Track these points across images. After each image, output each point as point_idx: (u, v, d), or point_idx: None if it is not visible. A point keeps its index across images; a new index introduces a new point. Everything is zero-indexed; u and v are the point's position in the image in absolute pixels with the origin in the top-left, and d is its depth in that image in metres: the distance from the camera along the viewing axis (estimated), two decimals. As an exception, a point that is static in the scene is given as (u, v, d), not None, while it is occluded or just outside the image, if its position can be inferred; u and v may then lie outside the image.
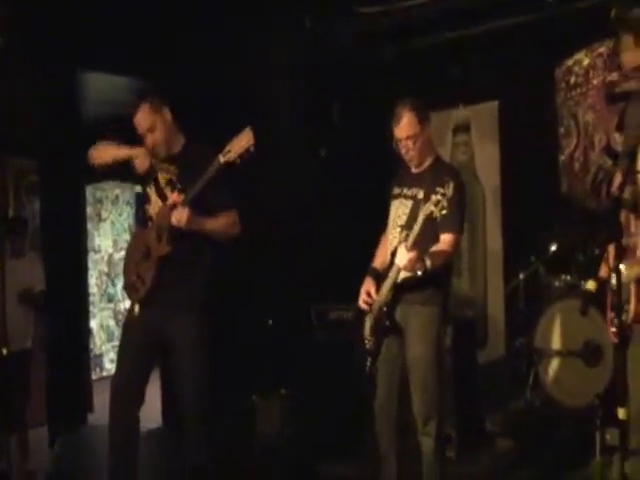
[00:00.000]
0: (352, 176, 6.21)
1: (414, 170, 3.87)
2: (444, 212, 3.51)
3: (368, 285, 3.85)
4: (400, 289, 3.72)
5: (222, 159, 3.61)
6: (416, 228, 3.58)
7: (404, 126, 3.75)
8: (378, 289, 3.81)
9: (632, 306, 2.68)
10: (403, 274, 3.66)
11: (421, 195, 3.74)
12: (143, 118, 3.85)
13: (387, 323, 3.75)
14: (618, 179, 3.07)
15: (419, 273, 3.56)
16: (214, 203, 3.77)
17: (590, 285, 2.65)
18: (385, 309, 3.75)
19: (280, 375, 5.56)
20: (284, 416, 5.40)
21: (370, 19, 5.90)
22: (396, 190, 3.91)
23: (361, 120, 6.36)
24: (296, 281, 5.89)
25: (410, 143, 3.76)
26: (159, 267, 3.77)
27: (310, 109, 6.22)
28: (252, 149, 3.58)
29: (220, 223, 3.80)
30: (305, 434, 5.16)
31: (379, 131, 5.51)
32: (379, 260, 3.97)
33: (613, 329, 2.78)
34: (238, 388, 5.56)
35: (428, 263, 3.56)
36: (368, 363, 3.80)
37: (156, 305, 3.80)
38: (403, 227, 3.74)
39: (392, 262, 3.71)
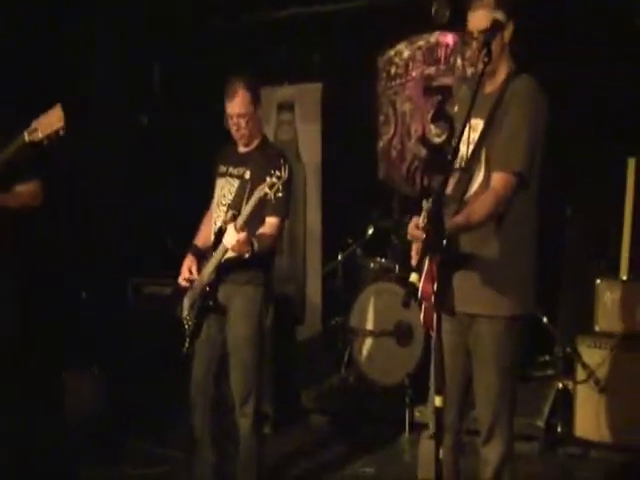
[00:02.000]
0: (175, 146, 6.10)
1: (241, 149, 3.82)
2: (278, 195, 3.48)
3: (189, 262, 3.76)
4: (224, 269, 3.68)
5: (27, 137, 3.33)
6: (247, 209, 3.51)
7: (237, 103, 3.67)
8: (199, 267, 3.76)
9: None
10: (229, 254, 3.62)
11: (248, 175, 3.69)
12: None
13: (210, 303, 3.70)
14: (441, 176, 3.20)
15: (246, 255, 3.57)
16: (14, 174, 3.53)
17: (413, 278, 2.71)
18: (208, 289, 3.70)
19: (93, 351, 5.40)
20: (96, 394, 5.25)
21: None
22: (222, 168, 3.84)
23: (185, 88, 6.25)
24: (113, 253, 5.72)
25: (242, 121, 3.69)
26: None
27: (130, 75, 6.02)
28: (62, 131, 3.31)
29: (19, 199, 3.59)
30: (118, 413, 5.05)
31: (204, 101, 5.48)
32: (201, 238, 3.89)
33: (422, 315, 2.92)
34: (47, 364, 5.34)
35: (256, 246, 3.52)
36: (186, 344, 3.73)
37: None
38: (229, 206, 3.69)
39: (216, 241, 3.65)
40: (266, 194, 3.46)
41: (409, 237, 2.79)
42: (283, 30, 6.06)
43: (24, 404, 4.00)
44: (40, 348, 4.90)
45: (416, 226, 2.71)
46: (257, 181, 3.56)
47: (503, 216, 2.85)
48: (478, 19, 2.86)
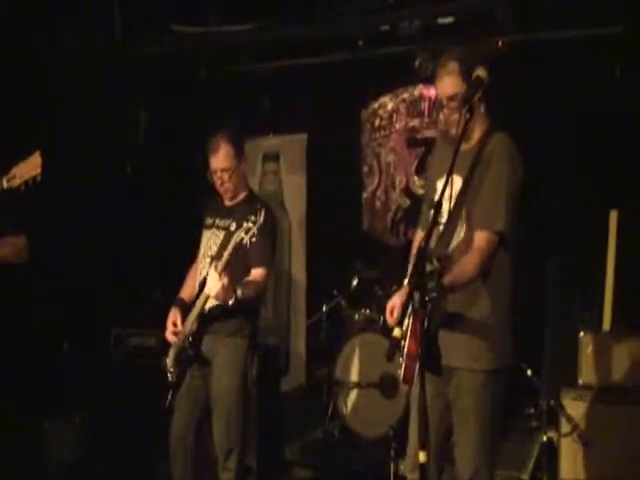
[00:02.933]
0: (160, 195, 6.12)
1: (227, 202, 3.85)
2: (254, 240, 3.46)
3: (174, 316, 3.75)
4: (207, 319, 3.66)
5: (5, 184, 3.39)
6: (225, 254, 3.51)
7: (221, 158, 3.70)
8: (184, 320, 3.74)
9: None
10: (211, 303, 3.60)
11: (233, 227, 3.69)
12: None
13: (191, 352, 3.67)
14: (422, 228, 3.24)
15: (230, 302, 3.54)
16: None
17: (396, 332, 2.75)
18: (190, 339, 3.67)
19: (75, 401, 5.34)
20: (77, 444, 5.18)
21: (185, 38, 5.86)
22: (208, 220, 3.86)
23: (170, 138, 6.29)
24: (96, 303, 5.69)
25: (226, 175, 3.71)
26: None
27: (117, 123, 6.06)
28: (38, 177, 3.38)
29: (3, 252, 3.61)
30: (100, 462, 4.99)
31: (188, 151, 5.51)
32: (187, 291, 3.89)
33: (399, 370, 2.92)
34: (28, 413, 5.27)
35: (239, 292, 3.51)
36: (169, 396, 3.70)
37: None
38: (213, 257, 3.70)
39: (199, 293, 3.65)
40: (242, 239, 3.47)
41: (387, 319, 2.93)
42: (268, 81, 6.13)
43: (3, 454, 3.94)
44: (21, 397, 4.85)
45: (391, 311, 2.89)
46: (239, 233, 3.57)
47: (486, 273, 2.90)
48: (445, 86, 2.96)
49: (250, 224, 3.46)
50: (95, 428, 5.07)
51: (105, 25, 5.76)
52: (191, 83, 6.25)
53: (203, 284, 3.63)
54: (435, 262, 2.72)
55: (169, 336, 3.75)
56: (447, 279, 2.74)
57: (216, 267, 3.53)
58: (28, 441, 4.99)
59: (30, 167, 3.39)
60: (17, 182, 3.37)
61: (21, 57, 5.12)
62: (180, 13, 5.69)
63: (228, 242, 3.61)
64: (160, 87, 6.23)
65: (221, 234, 3.77)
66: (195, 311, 3.66)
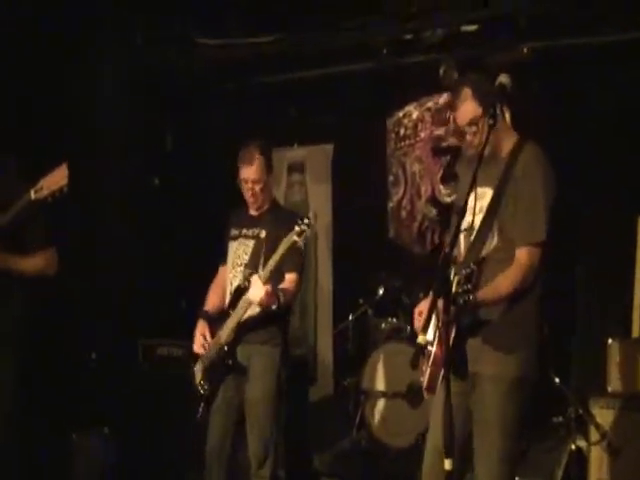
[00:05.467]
0: (187, 207, 6.16)
1: (253, 212, 3.88)
2: (304, 243, 3.52)
3: (203, 328, 3.78)
4: (242, 328, 3.68)
5: (33, 195, 3.44)
6: (275, 259, 3.51)
7: (254, 169, 3.74)
8: (212, 332, 3.77)
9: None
10: (251, 311, 3.62)
11: (263, 234, 3.75)
12: None
13: (230, 362, 3.67)
14: (447, 236, 3.25)
15: (273, 307, 3.55)
16: (29, 240, 3.61)
17: (421, 339, 2.75)
18: (227, 348, 3.69)
19: (104, 412, 5.37)
20: (106, 455, 5.21)
21: (208, 51, 5.91)
22: (234, 232, 3.90)
23: (197, 150, 6.34)
24: (124, 314, 5.73)
25: (257, 187, 3.76)
26: None
27: (144, 137, 6.12)
28: (65, 188, 3.42)
29: (32, 264, 3.62)
30: (128, 474, 5.01)
31: (215, 162, 5.55)
32: (211, 302, 3.93)
33: (423, 378, 2.91)
34: (56, 426, 5.32)
35: (282, 299, 3.56)
36: (200, 409, 3.72)
37: None
38: (247, 265, 3.73)
39: (234, 301, 3.68)
40: (295, 242, 3.47)
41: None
42: (293, 92, 6.16)
43: (32, 466, 3.98)
44: (50, 409, 4.89)
45: (419, 314, 2.89)
46: (273, 240, 3.62)
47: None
48: (462, 114, 2.98)
49: (303, 227, 3.45)
50: (124, 439, 5.10)
51: (129, 39, 5.83)
52: (216, 95, 6.30)
53: (238, 293, 3.66)
54: (466, 270, 2.69)
55: (198, 348, 3.78)
56: (478, 295, 2.74)
57: (253, 273, 3.55)
58: (57, 453, 5.04)
59: (57, 178, 3.44)
60: (44, 193, 3.42)
61: (48, 72, 5.20)
62: (204, 25, 5.73)
63: (260, 250, 3.67)
64: (186, 99, 6.29)
65: (250, 242, 3.80)
66: (234, 319, 3.66)
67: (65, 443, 5.12)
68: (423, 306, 2.97)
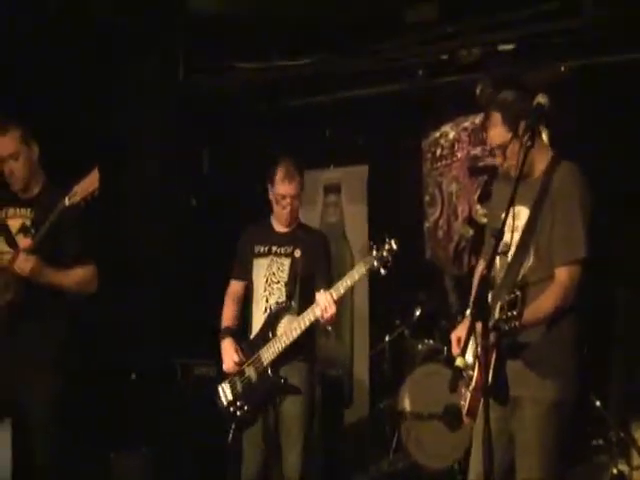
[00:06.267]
0: (224, 226, 6.19)
1: (280, 229, 3.92)
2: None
3: (232, 346, 3.78)
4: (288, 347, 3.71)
5: (67, 202, 3.52)
6: (349, 282, 3.57)
7: (295, 185, 3.82)
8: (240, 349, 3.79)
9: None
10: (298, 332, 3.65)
11: (298, 254, 3.79)
12: (9, 142, 3.70)
13: (282, 381, 3.68)
14: (485, 258, 3.23)
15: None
16: (69, 254, 3.66)
17: (459, 362, 2.73)
18: (270, 370, 3.68)
19: (141, 432, 5.40)
20: (144, 475, 5.23)
21: (244, 74, 5.97)
22: (261, 248, 3.90)
23: (233, 171, 6.39)
24: (162, 334, 5.77)
25: (296, 203, 3.85)
26: (6, 316, 3.60)
27: (181, 158, 6.18)
28: (96, 193, 3.52)
29: (73, 279, 3.68)
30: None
31: (251, 182, 5.57)
32: (230, 319, 3.92)
33: (464, 402, 2.89)
34: (96, 444, 5.35)
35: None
36: (232, 432, 3.70)
37: (6, 356, 3.63)
38: (287, 284, 3.77)
39: (271, 320, 3.72)
40: (378, 268, 3.55)
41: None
42: (328, 113, 6.18)
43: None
44: (88, 428, 4.93)
45: (457, 342, 2.90)
46: (310, 258, 3.74)
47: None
48: (491, 138, 3.01)
49: (386, 253, 3.51)
50: (161, 459, 5.11)
51: (169, 62, 5.91)
52: (253, 117, 6.35)
53: (278, 311, 3.72)
54: (510, 296, 2.66)
55: (230, 367, 3.78)
56: (525, 318, 2.69)
57: (331, 292, 3.58)
58: (95, 472, 5.07)
59: (89, 183, 3.54)
60: (77, 199, 3.52)
61: (88, 92, 5.30)
62: (241, 49, 5.79)
63: (296, 269, 3.74)
64: (223, 121, 6.34)
65: (285, 260, 3.83)
66: (284, 340, 3.67)
67: (103, 462, 5.16)
68: (461, 331, 2.95)
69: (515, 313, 2.61)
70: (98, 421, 5.35)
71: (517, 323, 2.62)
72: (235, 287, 3.98)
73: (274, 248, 3.87)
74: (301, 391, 3.72)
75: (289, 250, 3.83)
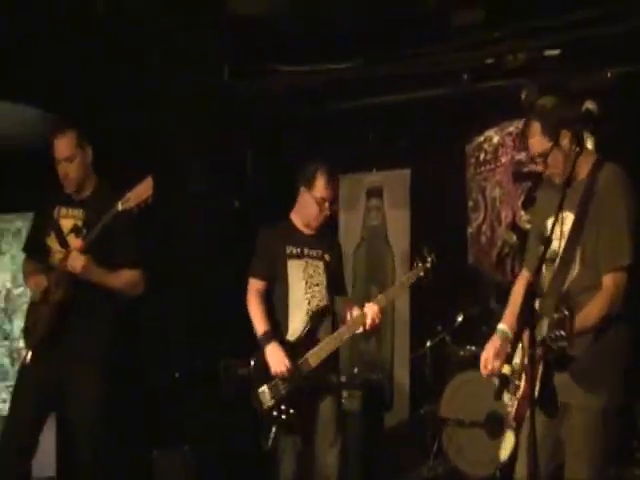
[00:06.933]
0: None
1: (307, 231, 3.96)
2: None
3: (280, 350, 3.75)
4: None
5: (120, 207, 3.59)
6: (395, 292, 3.93)
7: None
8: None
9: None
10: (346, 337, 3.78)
11: (328, 257, 3.90)
12: (66, 144, 3.79)
13: (334, 382, 3.84)
14: (527, 265, 3.22)
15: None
16: (119, 256, 3.75)
17: (506, 369, 2.73)
18: (319, 371, 3.75)
19: (184, 430, 5.45)
20: (186, 473, 5.27)
21: (287, 77, 6.00)
22: (294, 249, 3.91)
23: (276, 174, 6.42)
24: (205, 334, 5.81)
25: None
26: (55, 313, 3.68)
27: (224, 160, 6.23)
28: (150, 200, 3.58)
29: (121, 280, 3.76)
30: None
31: (294, 186, 5.61)
32: (265, 321, 3.86)
33: (511, 410, 2.89)
34: (138, 442, 5.41)
35: None
36: (272, 434, 3.68)
37: (53, 353, 3.71)
38: (327, 287, 3.86)
39: (315, 321, 3.78)
40: (422, 280, 3.81)
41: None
42: (371, 117, 6.18)
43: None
44: (131, 426, 4.99)
45: (485, 365, 2.97)
46: (334, 261, 3.92)
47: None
48: (532, 146, 3.03)
49: (428, 265, 3.84)
50: (203, 458, 5.16)
51: (213, 65, 5.96)
52: (296, 120, 6.38)
53: (320, 313, 3.80)
54: (559, 315, 2.65)
55: (280, 370, 3.73)
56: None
57: (378, 299, 3.78)
58: (137, 469, 5.13)
59: (143, 190, 3.60)
60: (131, 204, 3.59)
61: (136, 94, 5.37)
62: (285, 52, 5.82)
63: (329, 272, 3.84)
64: (266, 124, 6.38)
65: (319, 263, 3.91)
66: (333, 343, 3.77)
67: (146, 459, 5.22)
68: (489, 351, 3.04)
69: (563, 334, 2.59)
70: (141, 419, 5.43)
71: (566, 344, 2.61)
72: (257, 285, 3.93)
73: (306, 250, 3.91)
74: (338, 393, 3.86)
75: (320, 253, 3.91)
